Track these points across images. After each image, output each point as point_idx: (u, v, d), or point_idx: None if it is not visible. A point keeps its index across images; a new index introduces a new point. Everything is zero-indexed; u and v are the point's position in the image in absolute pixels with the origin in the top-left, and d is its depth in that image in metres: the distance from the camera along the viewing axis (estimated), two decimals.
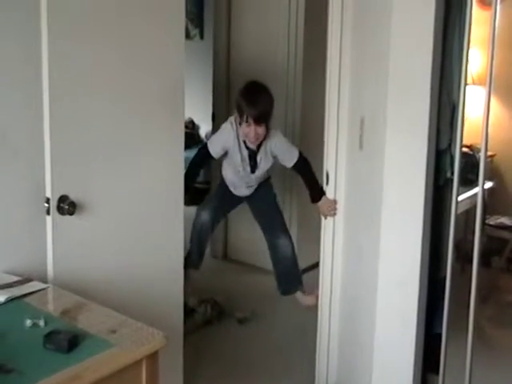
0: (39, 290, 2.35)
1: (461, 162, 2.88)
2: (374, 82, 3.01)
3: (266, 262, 5.37)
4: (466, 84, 2.83)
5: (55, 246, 2.57)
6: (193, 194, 4.71)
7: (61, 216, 2.54)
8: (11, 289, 2.30)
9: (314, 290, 4.16)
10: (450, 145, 2.93)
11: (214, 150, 4.26)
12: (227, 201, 4.68)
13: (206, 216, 4.52)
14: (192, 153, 7.46)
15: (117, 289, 2.82)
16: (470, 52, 2.84)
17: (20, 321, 2.06)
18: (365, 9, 3.18)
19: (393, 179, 2.82)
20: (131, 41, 2.79)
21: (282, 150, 4.28)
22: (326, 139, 3.49)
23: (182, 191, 3.17)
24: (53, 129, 2.49)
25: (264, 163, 4.33)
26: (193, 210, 4.58)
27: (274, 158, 4.33)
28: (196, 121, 8.20)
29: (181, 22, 3.06)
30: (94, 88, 2.66)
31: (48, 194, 2.53)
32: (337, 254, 3.52)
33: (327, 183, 3.49)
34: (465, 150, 4.51)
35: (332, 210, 3.50)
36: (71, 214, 2.55)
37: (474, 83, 5.39)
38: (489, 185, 5.05)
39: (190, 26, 8.12)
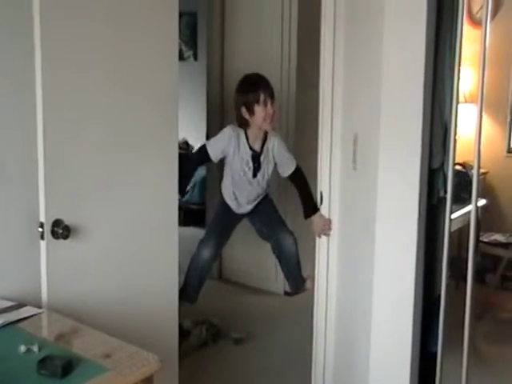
0: (33, 315, 2.34)
1: (454, 181, 2.90)
2: (367, 101, 3.03)
3: (261, 283, 5.39)
4: (457, 103, 2.85)
5: (49, 271, 2.56)
6: (187, 215, 4.72)
7: (55, 240, 2.54)
8: (5, 314, 2.29)
9: (309, 274, 4.16)
10: (442, 163, 2.94)
11: (213, 151, 4.25)
12: (228, 225, 4.65)
13: (207, 254, 4.48)
14: None
15: (111, 312, 2.81)
16: (462, 70, 2.86)
17: (14, 347, 2.06)
18: (356, 32, 3.20)
19: (386, 198, 2.83)
20: (124, 64, 2.81)
21: (281, 155, 4.30)
22: (319, 159, 3.50)
23: (176, 213, 3.17)
24: (47, 153, 2.49)
25: (266, 165, 4.31)
26: (187, 230, 4.58)
27: (274, 163, 4.33)
28: (190, 142, 8.22)
29: (174, 43, 3.07)
30: (88, 113, 2.66)
31: (42, 219, 2.52)
32: (332, 273, 3.52)
33: (321, 203, 3.49)
34: (458, 167, 4.53)
35: (326, 229, 3.49)
36: (65, 238, 2.55)
37: (466, 101, 5.43)
38: (482, 202, 5.06)
39: (183, 48, 8.17)
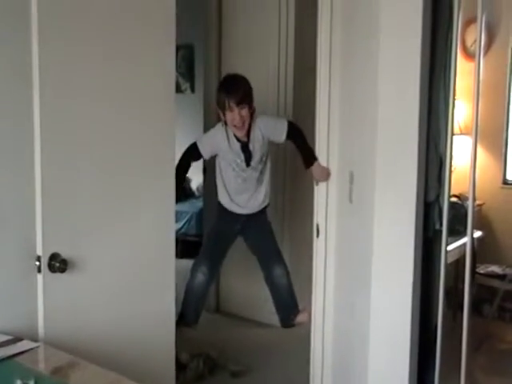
0: (30, 349, 2.33)
1: (449, 213, 2.91)
2: (363, 137, 3.05)
3: (259, 315, 5.36)
4: (452, 136, 2.87)
5: (46, 304, 2.55)
6: (184, 247, 4.72)
7: (52, 274, 2.53)
8: (1, 348, 2.28)
9: (305, 307, 4.12)
10: (438, 196, 2.95)
11: (203, 148, 4.29)
12: (222, 245, 4.62)
13: (202, 277, 4.47)
14: (184, 206, 7.57)
15: (108, 346, 2.80)
16: (457, 102, 2.89)
17: (10, 381, 2.03)
18: (352, 65, 3.25)
19: (382, 232, 2.84)
20: (121, 98, 2.81)
21: (270, 128, 4.28)
22: (316, 192, 3.53)
23: (173, 246, 3.17)
24: (44, 186, 2.49)
25: (258, 150, 4.30)
26: (184, 262, 4.57)
27: (267, 140, 4.32)
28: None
29: (171, 76, 3.09)
30: (85, 147, 2.67)
31: (39, 252, 2.52)
32: (328, 305, 3.52)
33: (318, 236, 3.51)
34: (453, 199, 4.55)
35: (325, 175, 3.52)
36: (62, 271, 2.54)
37: (461, 133, 5.46)
38: (478, 234, 5.07)
39: (180, 80, 8.22)
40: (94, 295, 2.77)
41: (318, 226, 3.50)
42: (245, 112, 4.12)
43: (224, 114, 4.15)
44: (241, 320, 5.65)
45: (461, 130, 5.55)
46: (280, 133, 4.24)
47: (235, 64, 5.61)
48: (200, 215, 6.95)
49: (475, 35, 2.85)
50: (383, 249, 2.86)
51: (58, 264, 2.53)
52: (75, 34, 2.59)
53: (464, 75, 3.08)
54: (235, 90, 4.13)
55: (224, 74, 5.65)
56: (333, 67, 3.39)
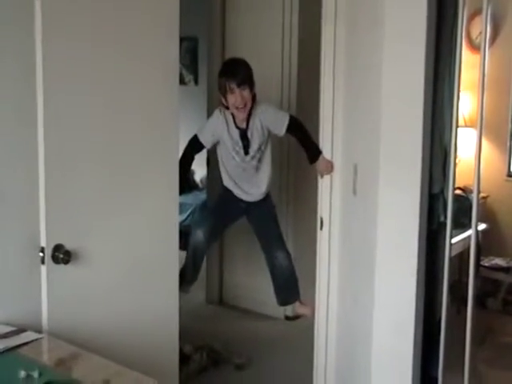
0: (34, 341, 2.34)
1: (454, 206, 2.90)
2: (367, 129, 3.05)
3: (262, 307, 5.36)
4: (457, 129, 2.86)
5: (50, 296, 2.56)
6: (188, 239, 4.71)
7: (55, 265, 2.54)
8: (5, 339, 2.29)
9: (309, 301, 4.11)
10: (442, 189, 2.94)
11: (204, 137, 4.27)
12: (225, 214, 4.60)
13: (200, 236, 4.45)
14: (187, 198, 7.55)
15: (112, 337, 2.81)
16: (461, 95, 2.88)
17: (14, 372, 2.05)
18: (356, 60, 3.24)
19: (386, 224, 2.83)
20: (125, 89, 2.82)
21: (270, 118, 4.25)
22: (319, 185, 3.53)
23: (177, 237, 3.18)
24: (48, 178, 2.50)
25: (256, 139, 4.27)
26: None
27: (267, 131, 4.29)
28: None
29: (175, 67, 3.10)
30: (89, 139, 2.67)
31: (43, 243, 2.53)
32: (332, 297, 3.52)
33: (321, 228, 3.50)
34: (458, 192, 4.54)
35: (329, 169, 3.53)
36: (66, 263, 2.55)
37: (466, 125, 5.45)
38: (482, 226, 5.06)
39: (184, 72, 8.21)
40: (98, 287, 2.77)
41: (321, 218, 3.50)
42: (246, 93, 4.10)
43: (226, 99, 4.15)
44: (244, 312, 5.66)
45: (465, 123, 5.54)
46: (280, 125, 4.22)
47: (239, 56, 5.60)
48: (203, 207, 6.95)
49: (480, 27, 2.83)
50: (387, 241, 2.85)
51: (61, 255, 2.54)
52: (78, 29, 2.60)
53: (469, 67, 3.07)
54: (235, 71, 4.13)
55: None
56: (337, 61, 3.39)
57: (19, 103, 2.46)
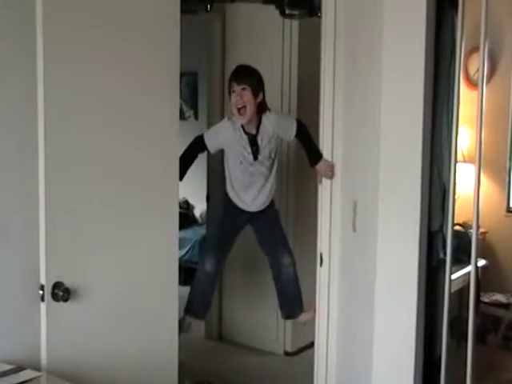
0: (32, 379, 2.32)
1: (453, 242, 2.90)
2: (366, 166, 3.06)
3: (262, 343, 5.33)
4: (456, 165, 2.87)
5: (49, 333, 2.55)
6: (188, 274, 4.70)
7: (55, 303, 2.53)
8: (4, 378, 2.27)
9: (311, 305, 4.07)
10: (441, 225, 2.95)
11: (209, 139, 4.30)
12: (229, 232, 4.57)
13: (209, 268, 4.44)
14: (187, 233, 7.55)
15: (111, 374, 2.79)
16: (460, 130, 2.90)
17: None
18: (355, 93, 3.26)
19: (386, 261, 2.84)
20: (126, 125, 2.84)
21: (281, 124, 4.30)
22: (319, 221, 3.53)
23: (176, 272, 3.17)
24: (48, 215, 2.51)
25: (266, 144, 4.28)
26: (188, 289, 4.54)
27: (277, 136, 4.32)
28: (191, 201, 8.23)
29: (175, 103, 3.12)
30: (90, 174, 2.69)
31: (42, 281, 2.52)
32: (332, 334, 3.51)
33: (321, 265, 3.50)
34: (457, 227, 4.54)
35: (329, 172, 3.52)
36: (66, 300, 2.54)
37: (464, 160, 5.46)
38: (482, 262, 5.05)
39: (184, 107, 8.25)
40: (97, 324, 2.77)
41: (321, 254, 3.50)
42: (246, 94, 4.13)
43: (230, 98, 4.23)
44: (244, 348, 5.62)
45: (464, 158, 5.55)
46: (290, 131, 4.27)
47: None
48: (203, 242, 6.94)
49: (478, 64, 2.86)
50: (387, 278, 2.85)
51: (61, 293, 2.54)
52: (79, 61, 2.62)
53: (467, 103, 3.09)
54: (238, 72, 4.23)
55: (227, 100, 5.69)
56: (336, 99, 3.42)
57: (20, 137, 2.47)
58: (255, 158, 4.28)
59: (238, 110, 4.15)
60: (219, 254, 4.52)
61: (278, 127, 4.28)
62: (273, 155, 4.36)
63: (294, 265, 4.50)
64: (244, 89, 4.13)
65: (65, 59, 2.55)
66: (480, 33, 2.75)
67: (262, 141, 4.27)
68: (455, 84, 2.84)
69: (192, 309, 4.41)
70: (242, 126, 4.24)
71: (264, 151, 4.29)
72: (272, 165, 4.38)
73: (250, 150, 4.27)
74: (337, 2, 3.38)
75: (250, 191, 4.41)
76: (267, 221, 4.56)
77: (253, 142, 4.26)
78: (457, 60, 2.81)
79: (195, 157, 4.36)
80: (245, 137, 4.25)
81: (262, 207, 4.47)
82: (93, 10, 2.66)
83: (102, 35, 2.70)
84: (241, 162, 4.31)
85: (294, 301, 4.57)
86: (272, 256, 4.54)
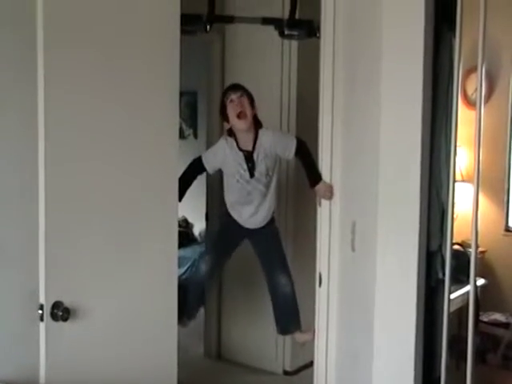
0: None
1: (452, 262, 2.91)
2: (365, 186, 3.07)
3: (261, 362, 5.32)
4: (454, 186, 2.88)
5: (48, 353, 2.55)
6: (186, 293, 4.69)
7: (54, 322, 2.54)
8: None
9: (310, 326, 4.07)
10: (440, 245, 2.95)
11: (207, 160, 4.35)
12: (228, 244, 4.59)
13: (202, 271, 4.46)
14: (186, 252, 7.53)
15: None
16: (458, 150, 2.90)
17: None
18: (354, 117, 3.28)
19: (385, 282, 2.84)
20: (125, 145, 2.86)
21: (279, 141, 4.30)
22: (318, 241, 3.54)
23: (175, 291, 3.18)
24: (47, 236, 2.52)
25: (262, 160, 4.28)
26: None
27: (275, 154, 4.32)
28: (190, 219, 8.23)
29: (175, 122, 3.14)
30: (89, 195, 2.70)
31: (42, 301, 2.53)
32: (330, 355, 3.50)
33: (320, 285, 3.50)
34: (456, 247, 4.54)
35: (328, 193, 3.54)
36: (65, 320, 2.55)
37: (463, 180, 5.47)
38: (481, 282, 5.05)
39: (184, 126, 8.27)
40: (97, 344, 2.77)
41: (320, 274, 3.50)
42: (244, 101, 4.19)
43: (227, 120, 4.23)
44: (243, 367, 5.60)
45: (462, 177, 5.57)
46: (289, 149, 4.26)
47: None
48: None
49: (476, 84, 2.87)
50: (386, 298, 2.85)
51: (60, 313, 2.54)
52: (80, 86, 2.64)
53: (465, 123, 3.10)
54: (232, 85, 4.33)
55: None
56: (335, 120, 3.44)
57: (21, 161, 2.49)
58: (251, 175, 4.29)
59: (238, 115, 4.17)
60: (214, 264, 4.54)
61: (275, 144, 4.28)
62: (270, 173, 4.36)
63: (292, 284, 4.49)
64: (241, 95, 4.19)
65: (65, 81, 2.58)
66: (478, 53, 2.77)
67: (258, 156, 4.27)
68: (453, 104, 2.85)
69: (184, 311, 4.39)
70: (237, 144, 4.26)
71: (260, 167, 4.29)
72: (269, 182, 4.38)
73: (245, 166, 4.27)
74: (335, 23, 3.40)
75: (248, 209, 4.41)
76: (266, 238, 4.55)
77: (249, 158, 4.27)
78: (455, 81, 2.83)
79: (194, 178, 4.38)
80: (240, 153, 4.27)
81: (261, 225, 4.47)
82: (93, 32, 2.68)
83: (102, 56, 2.73)
84: (237, 181, 4.32)
85: (289, 315, 4.55)
86: (269, 274, 4.53)
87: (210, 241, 4.90)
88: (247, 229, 4.47)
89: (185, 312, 4.38)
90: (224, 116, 4.29)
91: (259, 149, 4.26)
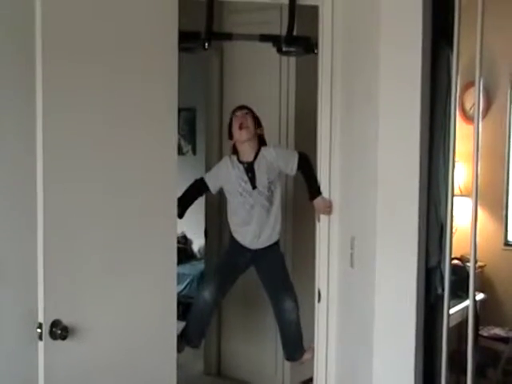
0: None
1: (451, 277, 2.91)
2: (363, 202, 3.07)
3: (261, 379, 5.30)
4: (453, 201, 2.88)
5: (47, 372, 2.54)
6: (186, 309, 4.68)
7: (53, 341, 2.53)
8: None
9: (309, 344, 4.06)
10: (439, 261, 2.95)
11: (210, 179, 4.38)
12: (232, 269, 4.55)
13: (208, 297, 4.41)
14: (185, 268, 7.54)
15: None
16: (457, 164, 2.91)
17: None
18: (352, 131, 3.29)
19: (384, 297, 2.84)
20: (124, 160, 2.86)
21: (280, 156, 4.30)
22: (317, 257, 3.54)
23: (175, 308, 3.17)
24: (46, 255, 2.51)
25: (263, 172, 4.28)
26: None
27: (277, 169, 4.32)
28: (189, 235, 8.23)
29: (173, 138, 3.15)
30: (88, 212, 2.70)
31: (40, 319, 2.52)
32: (330, 373, 3.50)
33: (319, 301, 3.50)
34: (455, 261, 4.54)
35: (327, 208, 3.57)
36: (64, 338, 2.54)
37: (461, 194, 5.48)
38: (480, 296, 5.05)
39: (182, 142, 8.29)
40: (95, 361, 2.76)
41: (319, 290, 3.49)
42: (248, 118, 4.25)
43: (232, 137, 4.31)
44: None
45: (461, 192, 5.58)
46: (292, 163, 4.26)
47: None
48: (201, 277, 6.93)
49: (474, 99, 2.88)
50: (385, 314, 2.85)
51: (59, 331, 2.53)
52: (79, 103, 2.65)
53: (464, 138, 3.11)
54: (239, 106, 4.36)
55: (225, 135, 5.72)
56: (333, 136, 3.46)
57: (19, 180, 2.49)
58: (253, 186, 4.30)
59: (240, 126, 4.23)
60: (219, 286, 4.51)
61: (277, 158, 4.29)
62: (272, 187, 4.35)
63: (297, 309, 4.48)
64: (246, 113, 4.26)
65: (64, 98, 2.58)
66: (475, 67, 2.78)
67: (259, 167, 4.28)
68: (451, 119, 2.86)
69: (186, 336, 4.38)
70: (238, 157, 4.29)
71: (261, 179, 4.29)
72: (272, 197, 4.37)
73: (246, 177, 4.28)
74: (333, 40, 3.42)
75: (252, 229, 4.40)
76: (271, 265, 4.54)
77: (249, 169, 4.29)
78: (452, 96, 2.84)
79: (195, 198, 4.40)
80: (240, 166, 4.29)
81: (266, 244, 4.44)
82: (91, 49, 2.69)
83: (101, 74, 2.74)
84: (241, 194, 4.32)
85: (295, 343, 4.55)
86: (275, 300, 4.52)
87: (213, 269, 4.87)
88: (252, 254, 4.46)
89: (185, 338, 4.36)
90: (230, 133, 4.32)
91: (260, 160, 4.28)
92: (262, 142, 4.34)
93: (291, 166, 4.27)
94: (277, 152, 4.32)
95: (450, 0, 2.81)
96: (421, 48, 2.75)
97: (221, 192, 4.55)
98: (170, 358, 3.17)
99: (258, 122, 4.32)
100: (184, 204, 4.07)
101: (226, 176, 4.32)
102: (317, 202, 3.70)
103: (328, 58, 3.45)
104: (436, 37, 2.88)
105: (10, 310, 2.50)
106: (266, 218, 4.37)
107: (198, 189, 4.40)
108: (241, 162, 4.29)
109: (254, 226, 4.37)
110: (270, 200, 4.36)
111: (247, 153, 4.29)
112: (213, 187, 4.39)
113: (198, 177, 4.48)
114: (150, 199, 3.00)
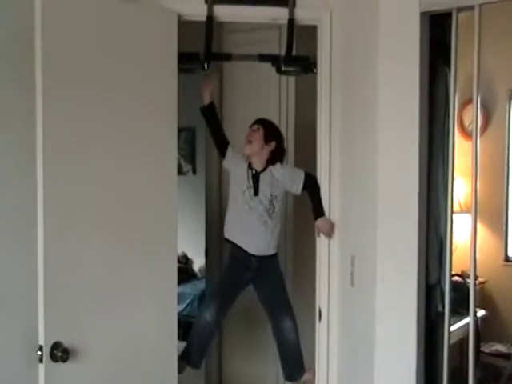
0: None
1: (452, 294, 2.91)
2: (363, 219, 3.08)
3: None
4: (452, 218, 2.89)
5: None
6: (186, 329, 4.67)
7: (54, 363, 2.53)
8: None
9: (310, 365, 4.04)
10: (439, 278, 2.95)
11: (229, 154, 4.35)
12: (233, 287, 4.56)
13: (208, 316, 4.41)
14: (186, 288, 7.52)
15: None
16: (456, 180, 2.92)
17: None
18: (351, 148, 3.30)
19: (384, 315, 2.84)
20: (124, 181, 2.87)
21: (287, 173, 4.29)
22: (317, 275, 3.54)
23: (175, 328, 3.17)
24: (46, 277, 2.51)
25: (268, 183, 4.28)
26: None
27: (283, 187, 4.31)
28: (189, 255, 8.22)
29: (173, 158, 3.17)
30: (88, 234, 2.71)
31: (41, 342, 2.52)
32: None
33: (320, 320, 3.49)
34: (456, 278, 4.54)
35: (329, 230, 3.57)
36: (64, 360, 2.53)
37: (461, 210, 5.48)
38: (481, 313, 5.04)
39: (182, 162, 8.28)
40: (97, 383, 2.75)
41: (320, 309, 3.49)
42: (257, 133, 4.25)
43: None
44: None
45: (461, 208, 5.58)
46: (298, 182, 4.24)
47: (236, 146, 5.67)
48: (202, 297, 6.91)
49: (472, 115, 2.90)
50: (386, 332, 2.85)
51: (60, 353, 2.53)
52: (79, 124, 2.66)
53: (463, 154, 3.12)
54: (262, 120, 4.37)
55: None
56: (333, 154, 3.48)
57: (19, 203, 2.49)
58: (255, 192, 4.31)
59: (246, 140, 4.26)
60: (220, 306, 4.49)
61: (284, 175, 4.29)
62: (274, 202, 4.36)
63: (297, 329, 4.47)
64: (258, 128, 4.26)
65: (64, 123, 2.61)
66: (473, 85, 2.80)
67: (264, 178, 4.30)
68: (450, 136, 2.87)
69: (187, 356, 4.36)
70: (250, 164, 4.32)
71: (264, 190, 4.29)
72: (273, 212, 4.37)
73: (251, 182, 4.30)
74: (332, 59, 3.44)
75: (248, 232, 4.39)
76: (270, 281, 4.53)
77: (255, 177, 4.31)
78: (451, 113, 2.85)
79: (221, 131, 4.44)
80: (250, 171, 4.31)
81: (264, 253, 4.43)
82: (91, 71, 2.71)
83: (101, 95, 2.76)
84: (243, 193, 4.33)
85: (295, 364, 4.52)
86: (274, 322, 4.51)
87: (213, 288, 4.85)
88: (252, 266, 4.45)
89: (185, 358, 4.35)
90: None
91: (266, 174, 4.30)
92: (274, 156, 4.35)
93: (297, 185, 4.27)
94: (284, 170, 4.33)
95: (448, 18, 2.83)
96: (419, 66, 2.77)
97: (221, 211, 4.54)
98: (171, 379, 3.17)
99: (268, 138, 4.29)
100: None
101: (239, 163, 4.33)
102: (318, 223, 3.72)
103: (327, 76, 3.47)
104: (434, 55, 2.90)
105: (10, 333, 2.49)
106: (262, 227, 4.36)
107: (223, 137, 4.43)
108: (251, 168, 4.32)
109: (250, 233, 4.36)
110: (270, 214, 4.34)
111: (255, 164, 4.31)
112: (227, 159, 4.40)
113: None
114: (151, 219, 3.01)
